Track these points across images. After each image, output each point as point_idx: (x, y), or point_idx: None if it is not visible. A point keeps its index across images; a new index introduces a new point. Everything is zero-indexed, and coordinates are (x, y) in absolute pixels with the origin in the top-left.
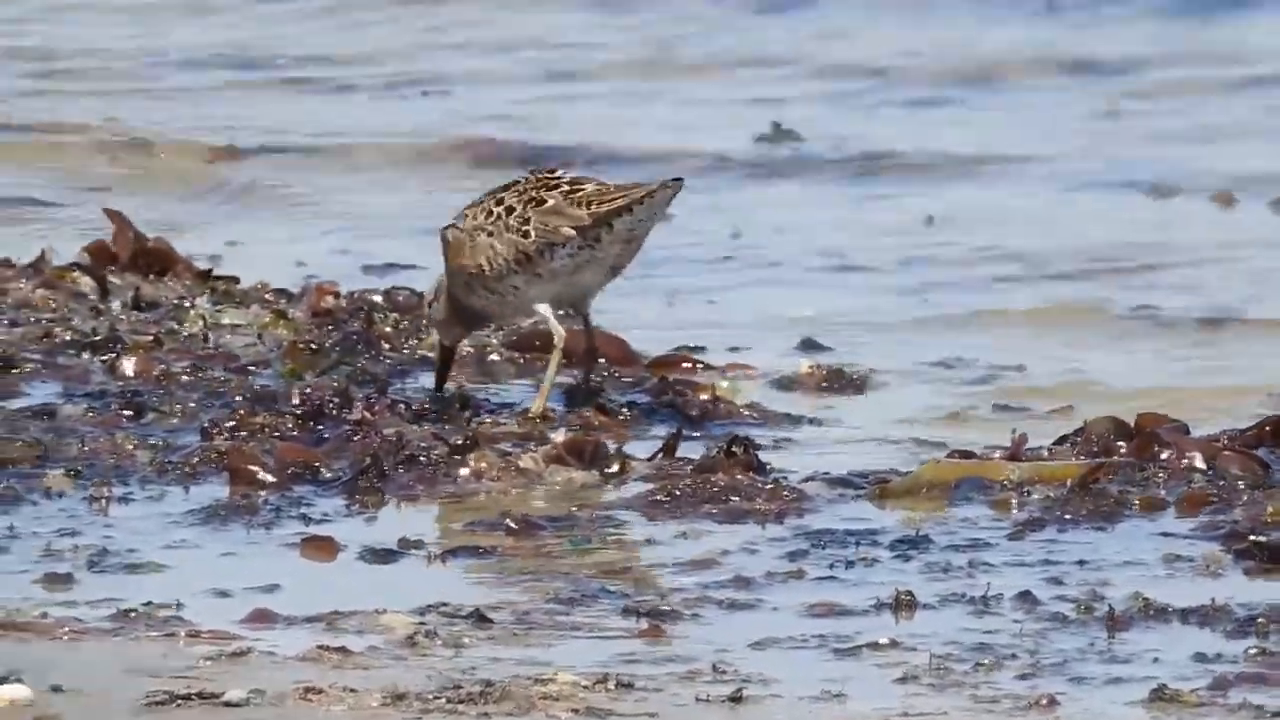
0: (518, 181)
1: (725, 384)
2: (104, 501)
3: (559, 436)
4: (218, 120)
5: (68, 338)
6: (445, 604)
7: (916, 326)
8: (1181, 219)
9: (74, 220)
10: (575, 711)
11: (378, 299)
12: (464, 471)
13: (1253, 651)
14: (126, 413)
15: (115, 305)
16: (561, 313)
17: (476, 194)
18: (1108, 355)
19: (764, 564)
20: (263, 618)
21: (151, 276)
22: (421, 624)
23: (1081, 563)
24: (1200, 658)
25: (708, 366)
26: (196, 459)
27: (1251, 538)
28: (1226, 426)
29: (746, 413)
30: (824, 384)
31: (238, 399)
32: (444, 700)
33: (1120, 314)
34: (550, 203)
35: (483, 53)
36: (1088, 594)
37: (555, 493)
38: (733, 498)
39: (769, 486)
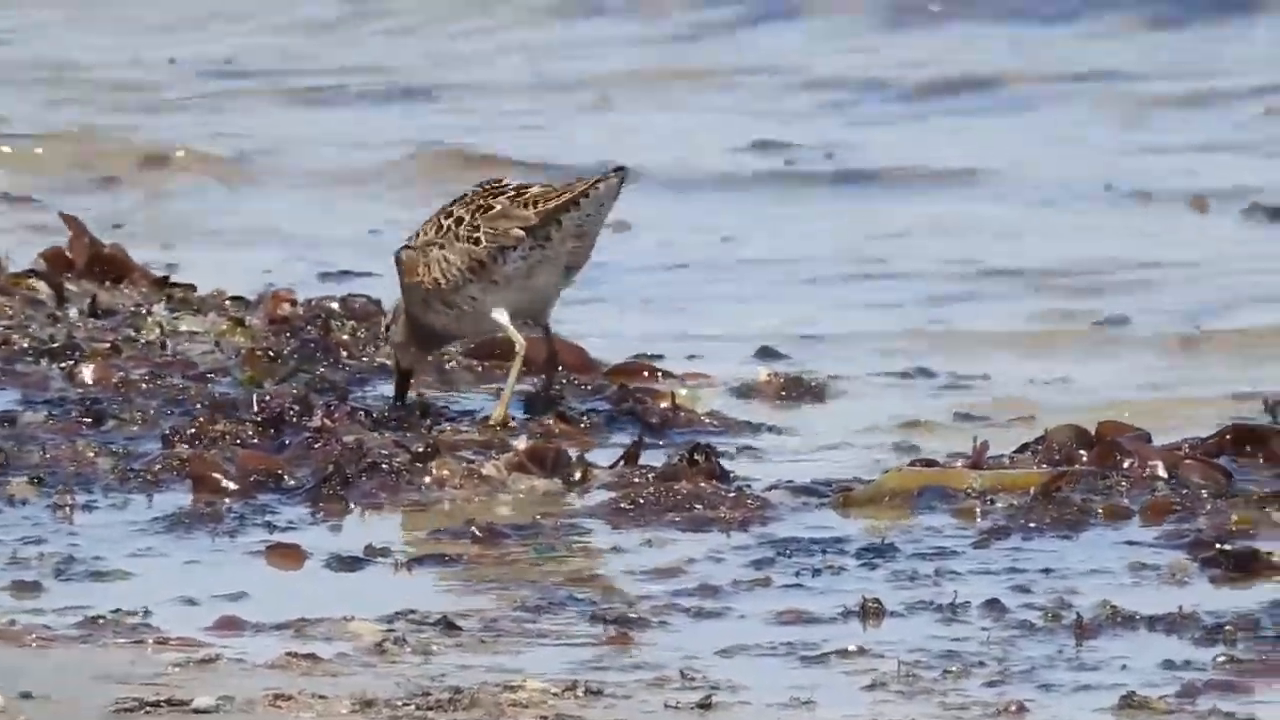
0: (465, 194)
1: (685, 392)
2: (68, 509)
3: (520, 444)
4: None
5: (25, 345)
6: (413, 611)
7: (879, 336)
8: (1154, 229)
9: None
10: (544, 718)
11: (335, 306)
12: (427, 479)
13: (1221, 659)
14: (86, 420)
15: (72, 312)
16: (520, 323)
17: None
18: (1074, 365)
19: (730, 572)
20: (231, 625)
21: (108, 283)
22: (390, 631)
23: (1047, 571)
24: (1168, 665)
25: (667, 374)
26: (159, 466)
27: (1218, 546)
28: (1188, 435)
29: (707, 421)
30: (783, 392)
31: (198, 406)
32: (413, 707)
33: (1088, 324)
34: (497, 207)
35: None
36: (1055, 602)
37: (519, 500)
38: (696, 506)
39: (732, 495)
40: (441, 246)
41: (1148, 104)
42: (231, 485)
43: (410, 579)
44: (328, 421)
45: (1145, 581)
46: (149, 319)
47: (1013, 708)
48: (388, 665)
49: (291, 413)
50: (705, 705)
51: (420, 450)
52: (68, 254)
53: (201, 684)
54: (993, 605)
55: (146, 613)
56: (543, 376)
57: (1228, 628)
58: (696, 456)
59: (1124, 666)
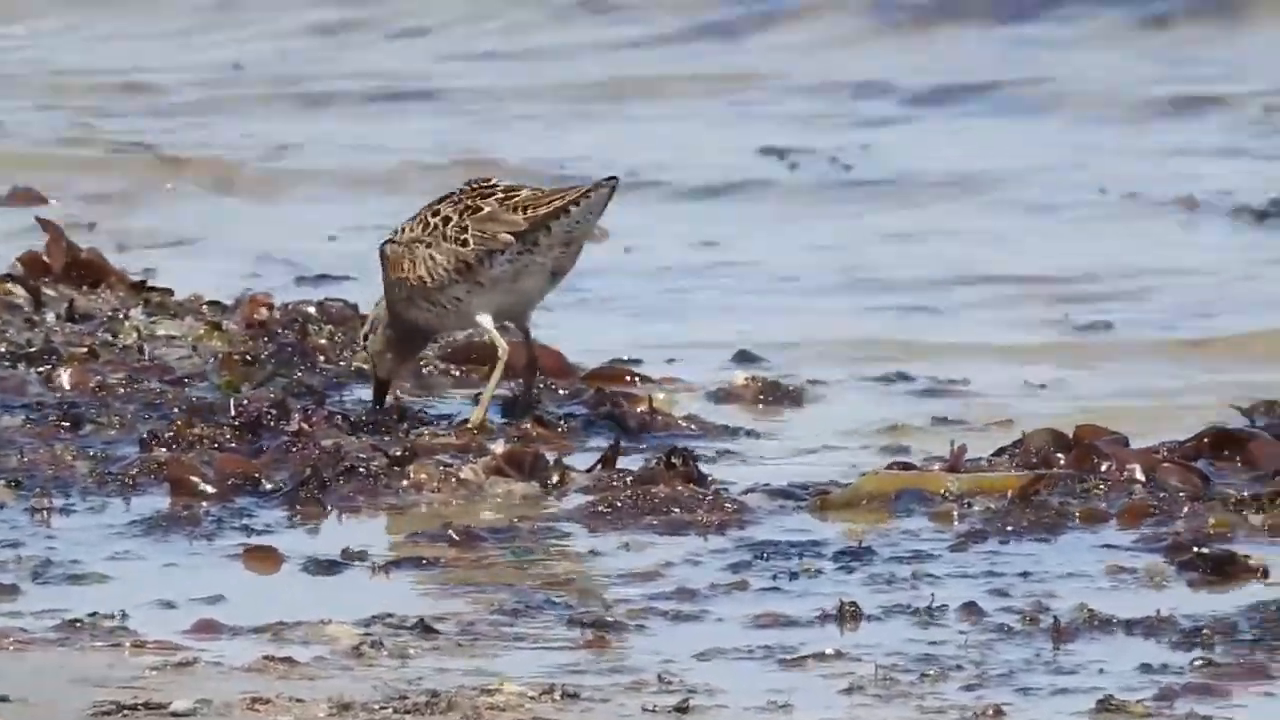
0: (453, 193)
1: (662, 396)
2: (45, 513)
3: (498, 448)
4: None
5: (2, 349)
6: (390, 615)
7: (859, 341)
8: (1142, 234)
9: None
10: None
11: (311, 310)
12: (404, 483)
13: (1198, 662)
14: (64, 424)
15: (50, 317)
16: (501, 326)
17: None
18: (1055, 370)
19: (707, 575)
20: (208, 628)
21: (85, 288)
22: (367, 634)
23: (1025, 574)
24: (1146, 668)
25: (645, 379)
26: (136, 470)
27: (1195, 549)
28: (1166, 439)
29: (685, 425)
30: (760, 396)
31: (175, 410)
32: (390, 710)
33: (1070, 329)
34: (486, 209)
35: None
36: (1032, 605)
37: (496, 504)
38: (674, 509)
39: (710, 498)
40: (428, 245)
41: (1142, 107)
42: (209, 489)
43: (387, 582)
44: (305, 425)
45: (1123, 585)
46: (126, 323)
47: (990, 711)
48: (365, 668)
49: (269, 417)
50: (682, 709)
51: (398, 454)
52: (45, 258)
53: (179, 687)
54: (970, 608)
55: (124, 616)
56: (520, 381)
57: (1205, 631)
58: (674, 460)
59: (1101, 670)
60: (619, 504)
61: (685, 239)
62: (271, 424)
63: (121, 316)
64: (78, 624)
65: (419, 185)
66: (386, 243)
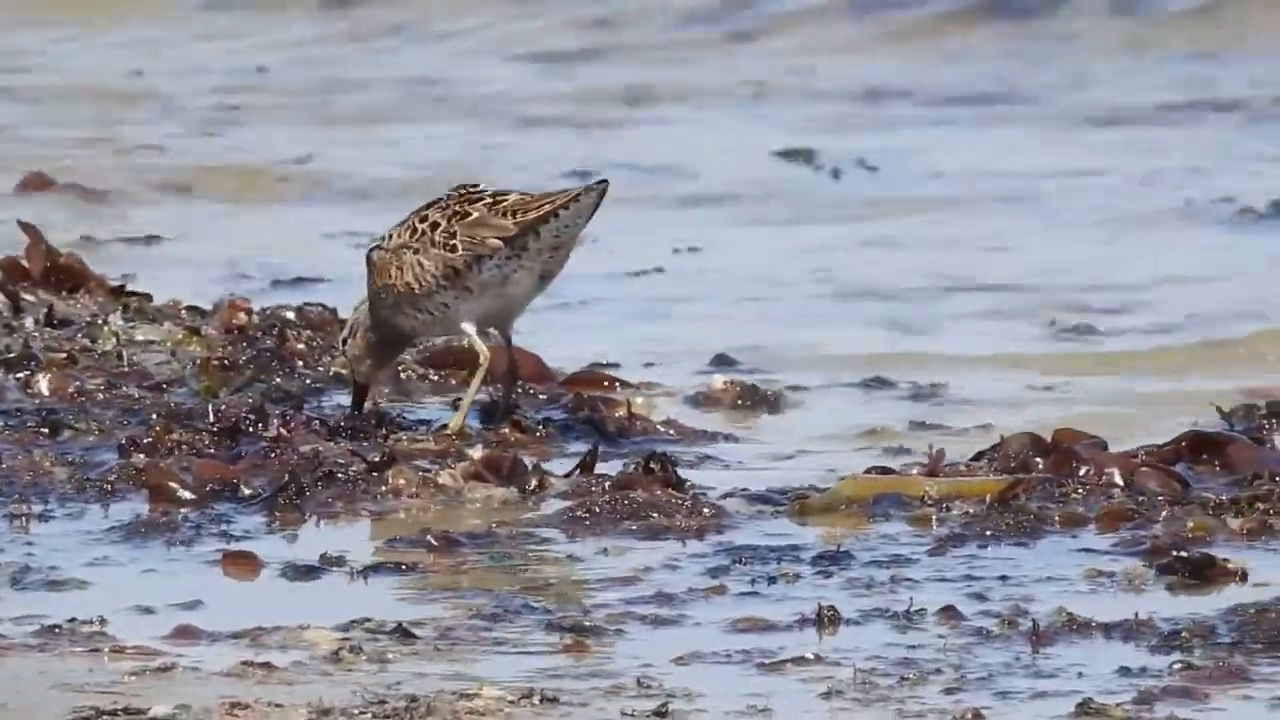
0: (440, 198)
1: (641, 400)
2: (24, 519)
3: (477, 453)
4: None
5: None
6: (369, 620)
7: (839, 345)
8: (1134, 239)
9: None
10: None
11: (290, 315)
12: (383, 488)
13: (1177, 666)
14: (43, 430)
15: (29, 322)
16: (483, 331)
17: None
18: (1036, 374)
19: (686, 580)
20: (187, 634)
21: (64, 293)
22: (345, 640)
23: (1004, 578)
24: (1125, 672)
25: (624, 384)
26: (115, 476)
27: (1174, 553)
28: (1145, 443)
29: (663, 429)
30: (739, 401)
31: (154, 416)
32: (370, 715)
33: (1055, 334)
34: (475, 215)
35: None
36: (1011, 609)
37: (475, 509)
38: (652, 514)
39: (688, 503)
40: (416, 251)
41: (1144, 114)
42: (188, 495)
43: (366, 588)
44: (284, 431)
45: (1102, 589)
46: (105, 329)
47: (969, 715)
48: (344, 674)
49: (248, 422)
50: (661, 713)
51: (376, 459)
52: (24, 263)
53: (158, 692)
54: (949, 612)
55: (103, 621)
56: (499, 386)
57: (1184, 634)
58: (652, 465)
59: (1080, 674)
60: (598, 509)
61: (665, 243)
62: (250, 429)
63: (100, 322)
64: (57, 630)
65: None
66: (374, 248)
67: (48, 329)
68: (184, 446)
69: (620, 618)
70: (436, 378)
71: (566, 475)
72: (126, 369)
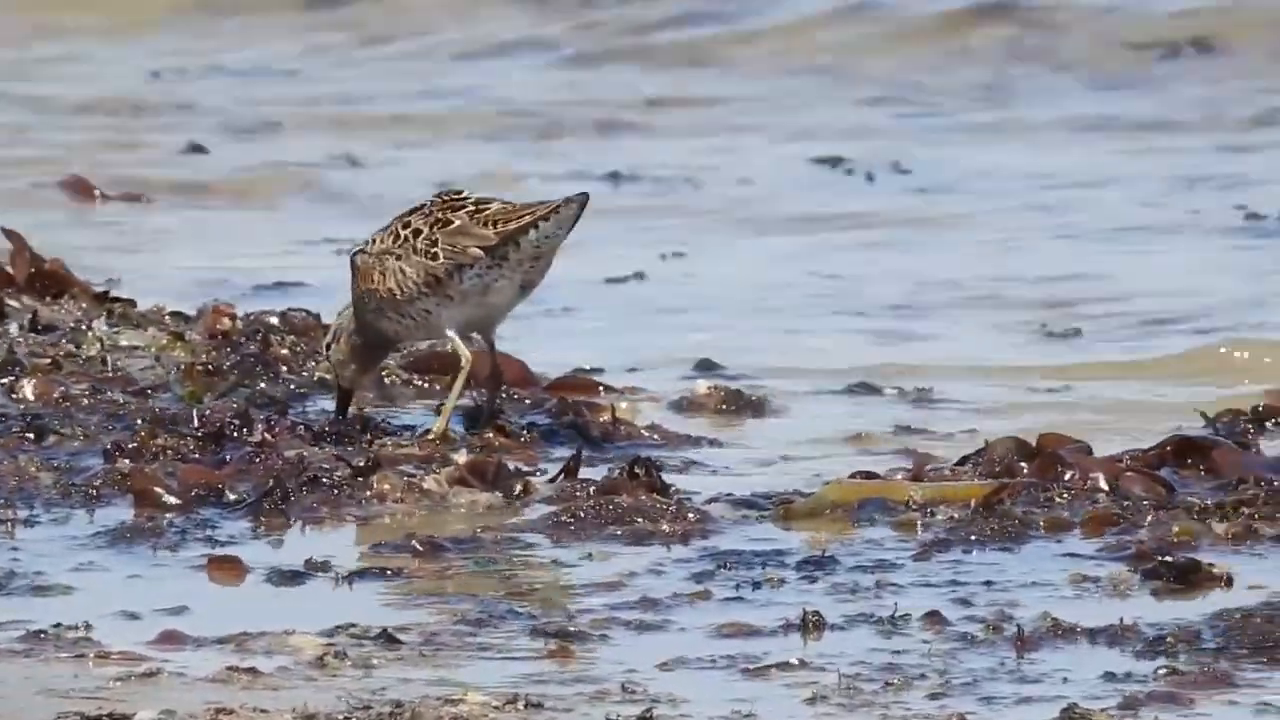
0: (423, 205)
1: (625, 405)
2: (9, 524)
3: (461, 458)
4: None
5: None
6: (354, 625)
7: (823, 350)
8: (1129, 246)
9: None
10: None
11: (274, 320)
12: (367, 493)
13: (1162, 671)
14: (28, 436)
15: (13, 328)
16: (466, 337)
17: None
18: (1024, 379)
19: (670, 585)
20: (172, 639)
21: (48, 299)
22: (330, 645)
23: (988, 583)
24: (1110, 677)
25: (608, 388)
26: (100, 481)
27: (1159, 558)
28: (1129, 447)
29: (648, 434)
30: (723, 405)
31: (139, 422)
32: None
33: (1043, 338)
34: (456, 223)
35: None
36: (996, 614)
37: (459, 514)
38: (637, 519)
39: (673, 508)
40: (398, 257)
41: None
42: (173, 500)
43: (351, 593)
44: (268, 436)
45: (1086, 594)
46: (89, 334)
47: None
48: (328, 679)
49: (232, 427)
50: (646, 719)
51: (361, 464)
52: (8, 269)
53: (143, 698)
54: (934, 618)
55: (88, 627)
56: (483, 392)
57: (1169, 640)
58: (637, 470)
59: (1065, 679)
60: (582, 514)
61: (650, 248)
62: (235, 435)
63: (85, 327)
64: (42, 635)
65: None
66: (357, 253)
67: (32, 334)
68: (169, 452)
69: (605, 623)
70: (421, 383)
71: (551, 480)
72: (111, 374)
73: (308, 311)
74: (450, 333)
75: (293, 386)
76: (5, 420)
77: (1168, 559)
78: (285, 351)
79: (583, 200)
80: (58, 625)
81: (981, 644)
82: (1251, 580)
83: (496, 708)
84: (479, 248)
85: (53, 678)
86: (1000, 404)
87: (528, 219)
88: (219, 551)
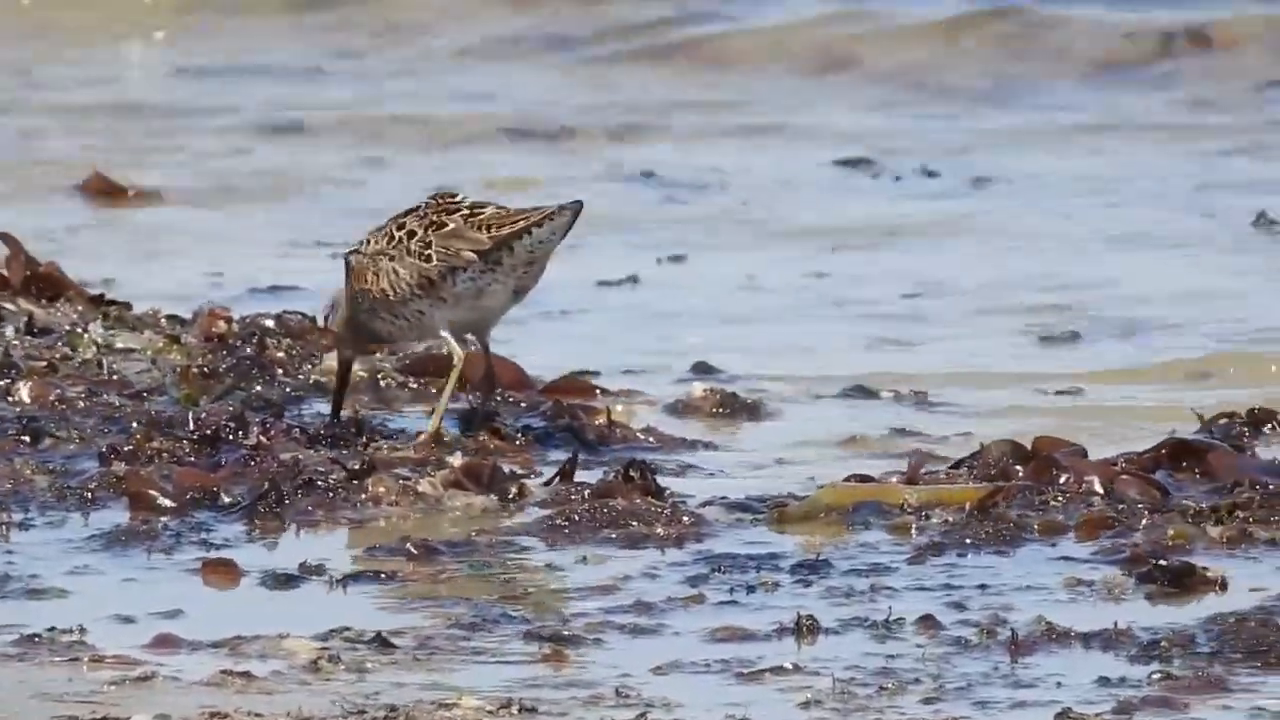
0: (419, 206)
1: (620, 408)
2: (4, 527)
3: (456, 461)
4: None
5: None
6: (348, 629)
7: (817, 353)
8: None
9: None
10: None
11: (269, 323)
12: (362, 496)
13: (1156, 675)
14: (24, 438)
15: (9, 330)
16: (460, 339)
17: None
18: (1019, 384)
19: (665, 589)
20: (166, 642)
21: (44, 301)
22: (324, 649)
23: (983, 587)
24: (1104, 681)
25: (604, 391)
26: (95, 484)
27: (1154, 561)
28: (1125, 450)
29: (643, 437)
30: (718, 409)
31: (134, 424)
32: None
33: (1036, 342)
34: (451, 226)
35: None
36: (990, 618)
37: (454, 517)
38: (632, 522)
39: (667, 511)
40: (392, 258)
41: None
42: (168, 503)
43: (345, 596)
44: (264, 439)
45: (1081, 598)
46: (85, 337)
47: None
48: (323, 683)
49: (228, 430)
50: None
51: (356, 468)
52: (3, 272)
53: (138, 701)
54: (928, 621)
55: (83, 630)
56: (478, 394)
57: (1163, 644)
58: (632, 473)
59: (1059, 683)
60: (577, 517)
61: (644, 250)
62: (230, 438)
63: (80, 330)
64: (36, 639)
65: None
66: (351, 253)
67: (28, 337)
68: (164, 454)
69: (599, 627)
70: (416, 385)
71: (546, 483)
72: (107, 377)
73: (303, 314)
74: (444, 333)
75: (288, 389)
76: (1, 423)
77: (1162, 562)
78: (280, 354)
79: (576, 208)
80: (52, 629)
81: (976, 648)
82: (1246, 584)
83: (490, 712)
84: (472, 251)
85: (47, 681)
86: (996, 406)
87: (522, 224)
88: (214, 555)
